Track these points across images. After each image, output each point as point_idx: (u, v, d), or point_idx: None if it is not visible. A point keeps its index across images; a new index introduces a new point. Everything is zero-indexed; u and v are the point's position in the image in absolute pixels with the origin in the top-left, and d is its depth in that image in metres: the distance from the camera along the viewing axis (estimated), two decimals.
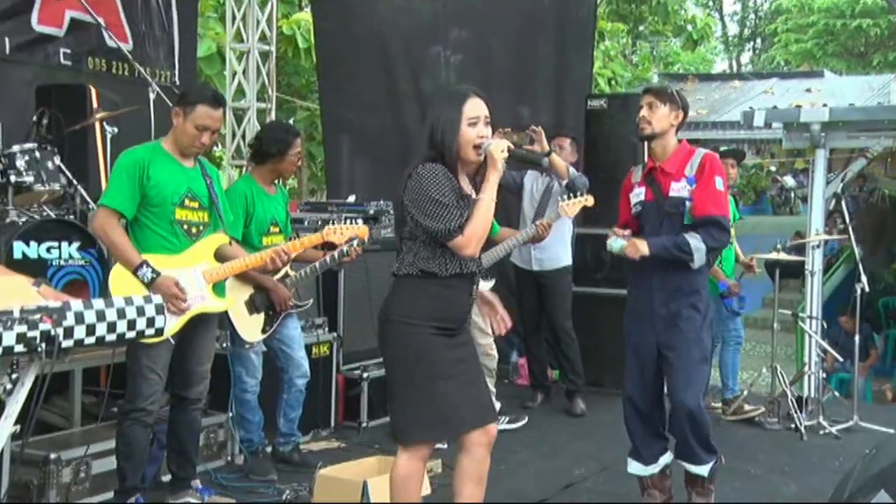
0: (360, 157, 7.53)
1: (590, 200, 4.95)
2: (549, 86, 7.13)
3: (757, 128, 9.48)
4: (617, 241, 3.83)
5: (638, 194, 3.97)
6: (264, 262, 3.87)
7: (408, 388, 2.99)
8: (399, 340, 2.99)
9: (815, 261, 6.77)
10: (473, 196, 3.01)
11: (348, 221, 4.23)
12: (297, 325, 4.65)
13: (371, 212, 5.72)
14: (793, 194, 20.34)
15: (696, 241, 3.75)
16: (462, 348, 3.06)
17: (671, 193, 3.83)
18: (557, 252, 5.83)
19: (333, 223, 4.22)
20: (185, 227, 3.68)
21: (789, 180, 20.37)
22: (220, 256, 3.79)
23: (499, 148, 2.96)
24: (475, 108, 2.97)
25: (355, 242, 4.43)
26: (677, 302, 3.82)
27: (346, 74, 7.34)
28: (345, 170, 7.62)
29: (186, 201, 3.68)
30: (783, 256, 5.82)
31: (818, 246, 6.73)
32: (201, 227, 3.74)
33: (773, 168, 20.74)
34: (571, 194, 5.06)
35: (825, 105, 7.50)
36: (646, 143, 3.97)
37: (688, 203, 3.79)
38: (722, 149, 6.07)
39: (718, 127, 14.40)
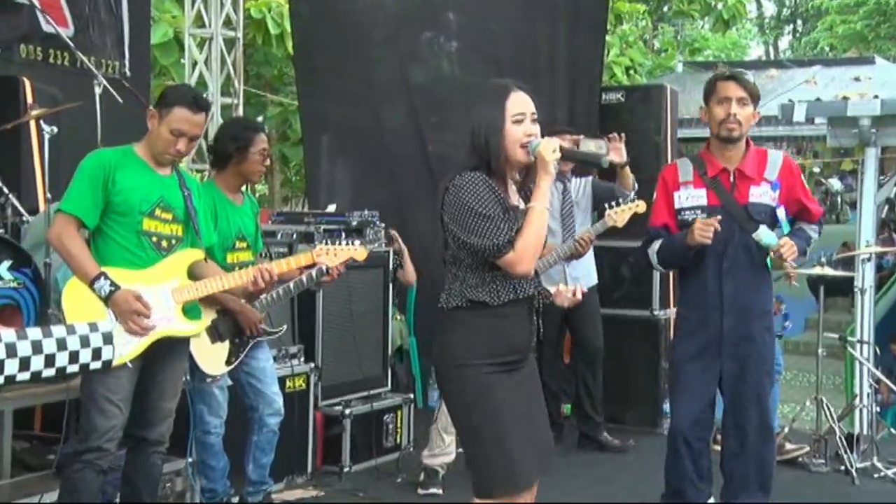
0: (342, 159, 7.54)
1: (641, 206, 5.00)
2: (560, 76, 7.19)
3: (797, 123, 9.52)
4: (768, 234, 3.90)
5: (695, 197, 4.01)
6: (245, 283, 3.86)
7: (475, 438, 3.03)
8: (457, 386, 3.03)
9: (865, 276, 6.78)
10: (522, 207, 3.07)
11: (342, 240, 4.24)
12: (269, 354, 4.64)
13: (354, 223, 5.73)
14: (839, 199, 20.40)
15: (814, 234, 4.08)
16: (527, 383, 3.11)
17: (752, 199, 3.93)
18: (590, 268, 5.93)
19: (326, 242, 4.22)
20: (154, 239, 3.67)
21: (835, 183, 20.46)
22: (194, 275, 3.78)
23: (549, 147, 3.00)
24: (519, 102, 3.02)
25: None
26: (750, 323, 3.95)
27: (325, 65, 7.37)
28: (325, 174, 7.64)
29: (157, 211, 3.68)
30: (829, 271, 5.83)
31: (869, 259, 6.74)
32: (173, 242, 3.73)
33: (816, 169, 20.84)
34: (617, 201, 5.13)
35: (876, 97, 7.50)
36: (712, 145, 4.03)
37: (781, 211, 3.93)
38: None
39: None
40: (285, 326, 4.71)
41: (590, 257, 5.83)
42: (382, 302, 5.90)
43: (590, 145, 5.06)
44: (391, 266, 5.99)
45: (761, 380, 4.00)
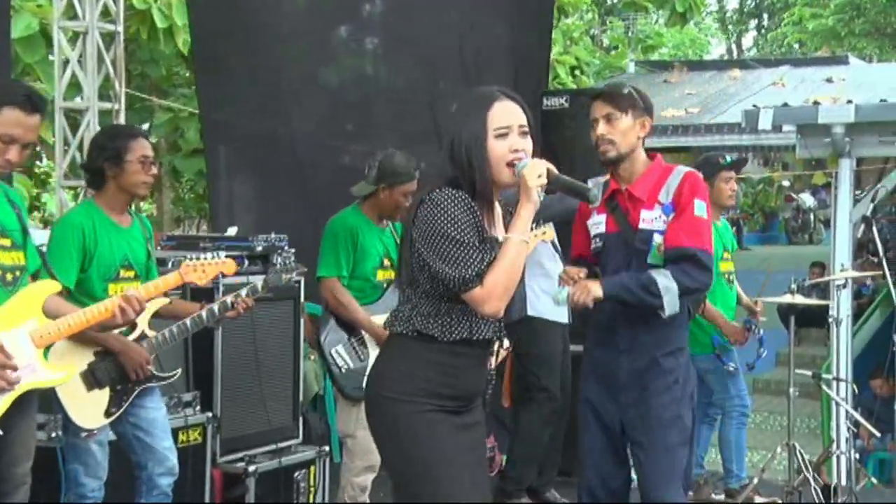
0: (245, 173, 7.53)
1: (548, 234, 5.07)
2: (502, 76, 7.30)
3: (763, 131, 9.73)
4: (563, 290, 3.92)
5: (597, 224, 4.08)
6: (110, 314, 3.79)
7: (409, 485, 3.08)
8: (390, 423, 3.09)
9: (841, 305, 6.92)
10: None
11: (208, 254, 4.25)
12: (161, 402, 4.60)
13: (259, 248, 5.73)
14: (812, 217, 20.83)
15: (664, 280, 3.85)
16: (472, 431, 3.17)
17: (641, 225, 3.95)
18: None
19: (192, 258, 4.21)
20: None
21: (807, 199, 20.92)
22: (49, 312, 3.70)
23: (535, 171, 3.04)
24: (504, 113, 3.08)
25: (243, 292, 4.42)
26: (646, 366, 3.94)
27: (227, 62, 7.32)
28: (224, 190, 7.62)
29: None
30: (800, 299, 5.93)
31: (845, 285, 6.87)
32: (17, 273, 3.66)
33: (785, 183, 21.30)
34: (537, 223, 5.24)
35: (850, 101, 7.72)
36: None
37: (659, 237, 3.91)
38: (725, 159, 6.20)
39: (713, 130, 14.73)
40: (179, 370, 4.68)
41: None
42: (293, 339, 5.90)
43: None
44: (302, 297, 5.98)
45: (666, 428, 3.94)
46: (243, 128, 7.37)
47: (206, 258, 4.20)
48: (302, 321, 5.96)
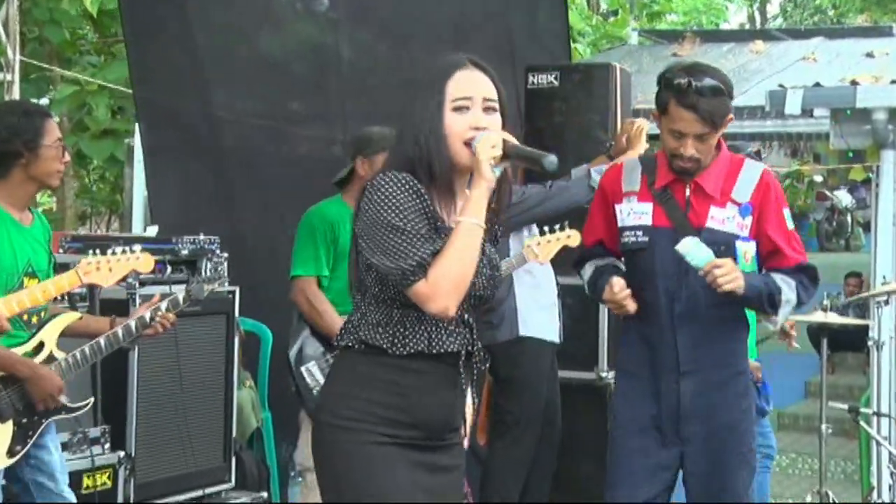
0: (167, 163, 7.52)
1: (574, 238, 5.17)
2: (494, 49, 7.39)
3: (791, 117, 9.81)
4: (697, 248, 3.97)
5: (636, 213, 4.16)
6: None
7: None
8: (326, 453, 3.13)
9: (883, 325, 6.97)
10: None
11: (121, 250, 4.26)
12: (56, 438, 4.58)
13: (184, 252, 5.75)
14: (848, 219, 20.93)
15: (788, 290, 4.09)
16: (442, 474, 3.17)
17: (710, 224, 4.06)
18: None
19: (95, 252, 4.19)
20: None
21: (843, 197, 21.00)
22: None
23: (487, 143, 3.07)
24: (465, 83, 3.12)
25: (163, 305, 4.42)
26: (719, 389, 4.07)
27: (153, 26, 7.29)
28: (144, 183, 7.63)
29: None
30: (834, 318, 5.99)
31: (887, 301, 6.92)
32: (42, 313, 3.77)
33: (817, 179, 21.39)
34: (542, 228, 5.28)
35: (895, 82, 7.74)
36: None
37: (745, 245, 4.05)
38: (748, 150, 6.26)
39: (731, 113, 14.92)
40: (92, 399, 4.67)
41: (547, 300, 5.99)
42: (225, 363, 5.93)
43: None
44: (236, 311, 5.99)
45: (736, 468, 4.13)
46: (171, 105, 7.40)
47: (113, 254, 4.19)
48: (236, 341, 5.97)
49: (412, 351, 3.08)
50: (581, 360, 6.58)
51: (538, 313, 5.91)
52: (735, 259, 4.01)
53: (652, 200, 4.12)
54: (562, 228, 5.34)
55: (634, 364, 4.22)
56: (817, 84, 8.07)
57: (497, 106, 3.14)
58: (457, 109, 3.10)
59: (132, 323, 4.39)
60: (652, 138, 5.56)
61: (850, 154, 7.90)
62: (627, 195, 4.17)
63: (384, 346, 3.08)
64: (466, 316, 3.16)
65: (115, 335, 4.40)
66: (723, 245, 4.01)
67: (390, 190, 3.03)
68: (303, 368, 5.28)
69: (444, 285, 2.99)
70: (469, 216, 3.03)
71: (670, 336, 4.07)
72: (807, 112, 8.19)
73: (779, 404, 6.70)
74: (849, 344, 11.23)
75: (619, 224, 4.20)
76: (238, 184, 7.34)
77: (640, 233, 4.12)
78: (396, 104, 7.43)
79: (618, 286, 4.07)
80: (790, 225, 4.12)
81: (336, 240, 5.28)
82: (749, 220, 4.06)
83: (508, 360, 5.78)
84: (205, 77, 7.32)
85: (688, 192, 4.09)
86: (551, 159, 3.12)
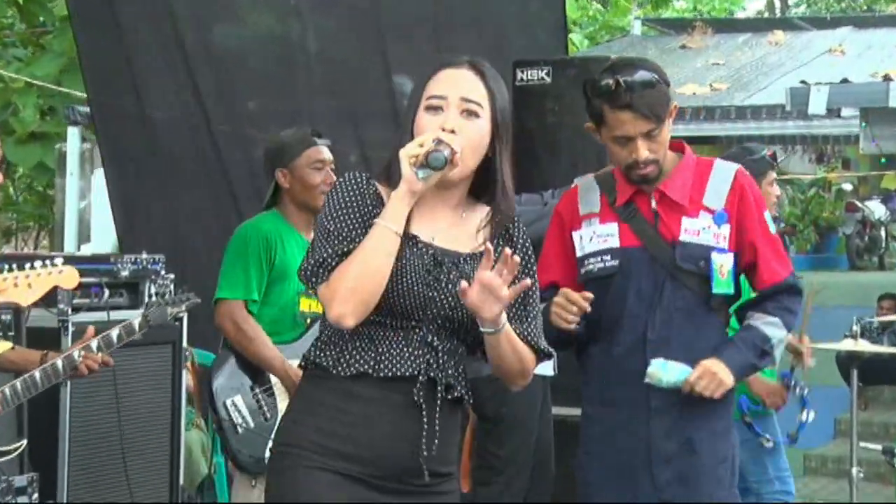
0: (107, 170, 7.53)
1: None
2: (479, 40, 7.48)
3: (816, 117, 9.82)
4: (669, 369, 3.93)
5: (601, 237, 4.10)
6: None
7: None
8: (270, 483, 3.22)
9: None
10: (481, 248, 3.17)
11: (41, 263, 4.18)
12: None
13: (124, 274, 5.72)
14: (882, 232, 20.94)
15: (775, 330, 4.07)
16: None
17: (683, 237, 4.02)
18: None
19: (11, 268, 4.09)
20: None
21: (875, 208, 21.02)
22: None
23: (406, 151, 3.11)
24: (444, 82, 3.21)
25: (114, 334, 4.42)
26: (696, 428, 4.02)
27: (111, 21, 7.32)
28: (79, 195, 7.61)
29: None
30: (866, 346, 5.98)
31: None
32: None
33: (846, 187, 21.43)
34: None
35: None
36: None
37: (721, 258, 4.00)
38: (762, 153, 6.25)
39: (747, 115, 14.74)
40: (24, 442, 4.64)
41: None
42: (171, 400, 5.90)
43: None
44: (185, 340, 5.95)
45: None
46: (124, 110, 7.45)
47: (32, 268, 4.17)
48: (185, 375, 5.93)
49: (355, 372, 3.12)
50: (577, 393, 6.57)
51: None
52: (710, 275, 3.99)
53: (616, 219, 4.07)
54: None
55: (598, 401, 4.18)
56: (845, 80, 8.10)
57: (480, 110, 3.18)
58: (429, 109, 3.19)
59: (60, 363, 4.35)
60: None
61: (883, 160, 7.91)
62: (587, 218, 4.11)
63: (328, 365, 3.15)
64: (431, 338, 3.15)
65: (55, 367, 4.37)
66: (701, 260, 3.98)
67: (337, 191, 3.21)
68: (228, 402, 5.20)
69: (340, 290, 3.06)
70: (384, 219, 3.10)
71: (640, 366, 3.98)
72: (833, 112, 8.22)
73: (804, 445, 6.65)
74: (883, 376, 11.19)
75: (579, 253, 4.12)
76: (189, 195, 7.35)
77: (607, 257, 4.06)
78: (372, 102, 7.51)
79: (561, 296, 3.97)
80: (772, 228, 4.12)
81: (272, 260, 5.18)
82: (726, 228, 4.01)
83: (495, 397, 5.74)
84: (152, 75, 7.35)
85: (653, 203, 4.04)
86: (440, 155, 3.08)
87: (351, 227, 3.13)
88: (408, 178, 3.07)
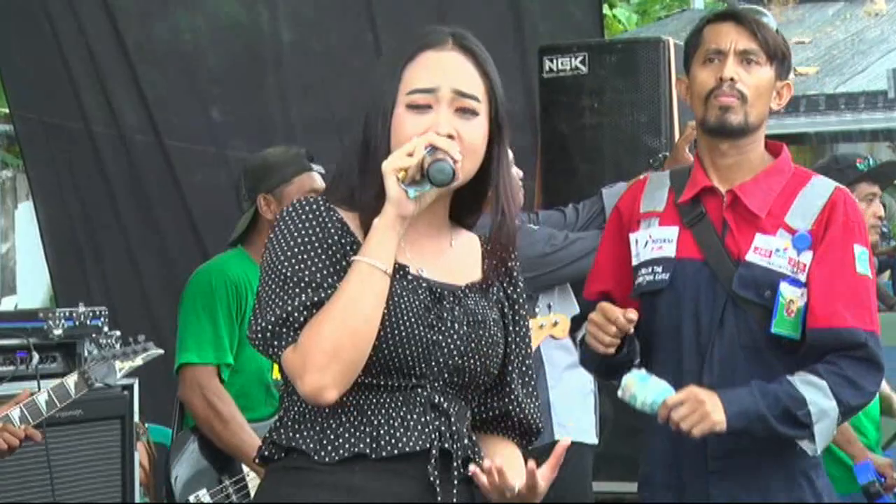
0: (45, 204, 7.59)
1: (560, 325, 5.22)
2: (489, 25, 7.44)
3: None
4: (649, 385, 3.85)
5: (658, 242, 4.10)
6: None
7: None
8: None
9: None
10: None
11: None
12: None
13: (58, 332, 5.70)
14: None
15: (819, 397, 3.85)
16: None
17: (751, 257, 3.98)
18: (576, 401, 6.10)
19: None
20: None
21: None
22: None
23: (391, 163, 2.94)
24: (430, 70, 3.06)
25: (14, 414, 4.38)
26: (766, 492, 3.97)
27: (27, 30, 7.39)
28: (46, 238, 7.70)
29: None
30: None
31: None
32: None
33: None
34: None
35: None
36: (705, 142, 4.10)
37: (792, 291, 3.93)
38: (865, 163, 6.22)
39: (841, 105, 14.71)
40: None
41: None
42: (121, 486, 5.90)
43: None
44: (136, 417, 5.95)
45: None
46: (58, 126, 7.54)
47: None
48: (136, 457, 5.93)
49: (347, 455, 2.96)
50: (624, 465, 6.57)
51: (577, 406, 5.94)
52: (774, 310, 3.93)
53: (679, 223, 4.06)
54: (549, 309, 5.37)
55: (652, 462, 4.17)
56: None
57: (477, 106, 3.05)
58: (412, 107, 3.02)
59: None
60: None
61: None
62: (646, 217, 4.11)
63: (309, 450, 2.98)
64: (438, 398, 3.04)
65: None
66: (766, 288, 3.93)
67: (283, 225, 3.01)
68: (191, 498, 5.19)
69: (315, 354, 2.89)
70: (365, 255, 2.94)
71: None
72: None
73: None
74: None
75: (635, 261, 4.11)
76: (138, 230, 7.37)
77: (659, 269, 4.04)
78: (360, 105, 7.55)
79: (596, 314, 3.95)
80: (862, 269, 3.95)
81: (242, 313, 5.19)
82: (807, 256, 3.95)
83: None
84: (87, 81, 7.38)
85: (723, 204, 4.00)
86: (444, 165, 2.91)
87: (316, 269, 2.96)
88: (396, 199, 2.91)
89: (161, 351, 5.13)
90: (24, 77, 7.51)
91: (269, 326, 2.94)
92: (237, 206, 5.46)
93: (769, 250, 3.95)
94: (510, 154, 5.95)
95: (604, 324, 3.87)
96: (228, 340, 5.20)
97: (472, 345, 3.04)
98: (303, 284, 2.94)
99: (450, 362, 3.02)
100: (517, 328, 3.20)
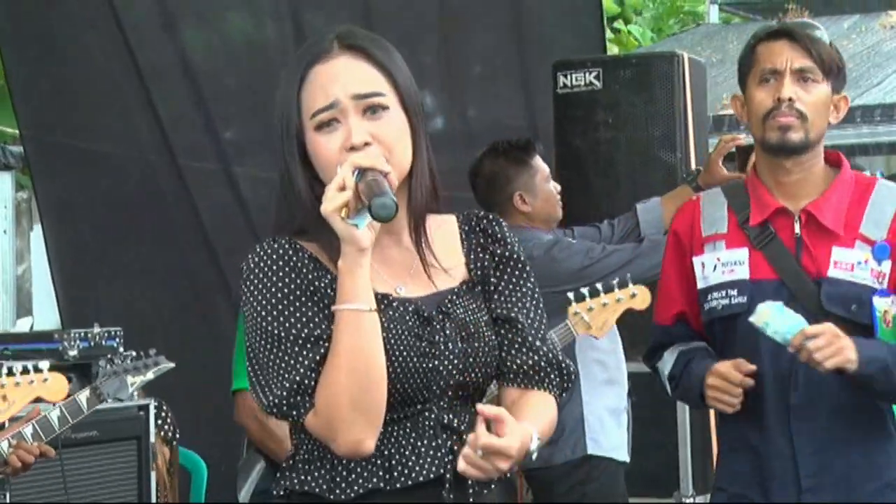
0: (54, 226, 7.60)
1: (641, 299, 5.31)
2: (493, 31, 7.58)
3: None
4: (785, 314, 3.83)
5: (728, 266, 4.08)
6: None
7: None
8: None
9: None
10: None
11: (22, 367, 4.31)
12: None
13: (73, 353, 5.75)
14: None
15: None
16: None
17: (833, 273, 3.97)
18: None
19: None
20: None
21: None
22: None
23: (329, 205, 2.84)
24: (323, 85, 2.97)
25: (27, 431, 4.40)
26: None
27: (40, 48, 7.43)
28: (16, 254, 7.65)
29: None
30: None
31: None
32: None
33: None
34: (595, 287, 5.39)
35: None
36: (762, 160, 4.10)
37: (884, 302, 3.93)
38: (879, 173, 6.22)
39: (858, 118, 14.71)
40: None
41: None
42: None
43: None
44: (153, 432, 5.95)
45: None
46: (71, 148, 7.52)
47: (9, 374, 4.21)
48: (153, 479, 5.94)
49: (362, 491, 2.94)
50: (656, 481, 6.53)
51: (610, 422, 5.93)
52: (873, 323, 3.91)
53: (747, 244, 4.04)
54: (621, 284, 5.32)
55: (738, 483, 4.12)
56: None
57: (384, 101, 2.96)
58: (320, 128, 2.96)
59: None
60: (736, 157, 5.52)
61: None
62: (710, 240, 4.09)
63: (322, 492, 2.96)
64: (448, 418, 3.01)
65: None
66: (854, 303, 3.92)
67: (254, 278, 2.96)
68: None
69: (340, 414, 2.86)
70: (345, 302, 2.88)
71: (784, 439, 3.97)
72: None
73: None
74: None
75: (702, 284, 4.09)
76: (152, 251, 7.45)
77: (734, 292, 4.01)
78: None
79: (715, 376, 3.97)
80: None
81: None
82: (887, 265, 3.94)
83: (573, 490, 5.82)
84: (99, 100, 7.39)
85: (797, 227, 3.99)
86: (384, 202, 2.79)
87: (307, 320, 2.92)
88: (350, 237, 2.83)
89: (172, 364, 5.11)
90: (35, 97, 7.52)
91: (284, 397, 2.89)
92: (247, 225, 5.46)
93: (850, 264, 3.94)
94: (544, 168, 6.03)
95: (728, 388, 3.88)
96: None
97: (470, 360, 3.00)
98: (300, 342, 2.90)
99: (451, 382, 2.98)
100: (513, 286, 3.14)
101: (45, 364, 4.34)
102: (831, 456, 3.97)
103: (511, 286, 3.13)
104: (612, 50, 14.75)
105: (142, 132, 7.47)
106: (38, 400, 4.34)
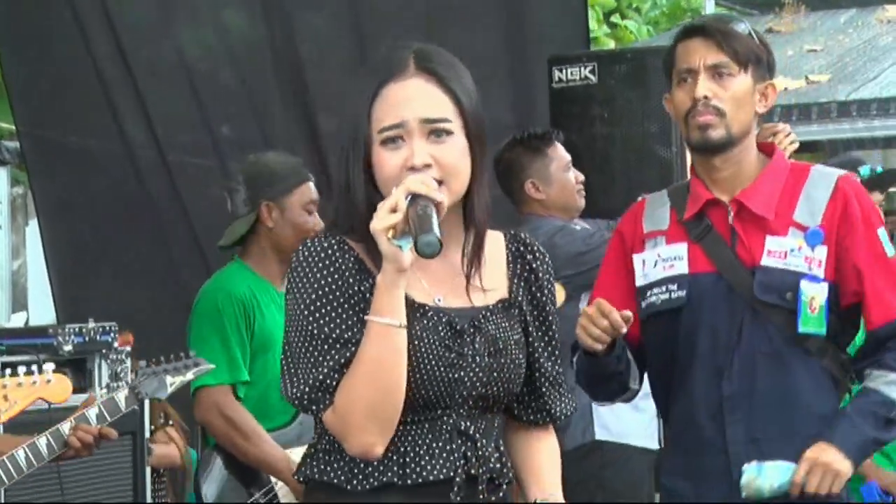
0: (65, 226, 7.68)
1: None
2: (482, 32, 7.57)
3: None
4: (766, 471, 3.86)
5: (667, 261, 4.09)
6: None
7: None
8: None
9: None
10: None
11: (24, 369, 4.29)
12: None
13: (67, 348, 5.74)
14: None
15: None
16: None
17: (766, 261, 3.98)
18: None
19: None
20: None
21: None
22: None
23: (379, 224, 2.93)
24: (394, 105, 3.07)
25: (91, 413, 4.45)
26: None
27: (38, 46, 7.47)
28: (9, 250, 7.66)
29: None
30: None
31: None
32: None
33: None
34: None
35: None
36: (692, 157, 4.14)
37: (812, 288, 3.94)
38: (866, 169, 6.22)
39: (854, 112, 14.67)
40: None
41: None
42: (133, 501, 5.95)
43: None
44: (147, 433, 5.99)
45: None
46: (66, 144, 7.58)
47: (12, 374, 4.23)
48: (147, 474, 5.96)
49: (377, 483, 3.05)
50: None
51: (623, 406, 5.87)
52: (799, 309, 3.94)
53: (686, 239, 4.06)
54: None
55: (677, 472, 4.17)
56: None
57: (449, 125, 3.07)
58: (386, 143, 3.07)
59: (43, 439, 4.39)
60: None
61: None
62: (651, 237, 4.12)
63: (340, 482, 3.08)
64: (464, 424, 3.11)
65: (37, 447, 4.42)
66: (787, 290, 3.94)
67: (301, 272, 3.07)
68: None
69: (355, 417, 2.99)
70: (377, 314, 2.99)
71: (716, 431, 4.00)
72: None
73: None
74: None
75: (640, 282, 4.12)
76: (143, 247, 7.49)
77: (674, 286, 4.04)
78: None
79: (587, 310, 3.91)
80: (890, 251, 3.99)
81: (251, 329, 5.20)
82: (822, 251, 3.96)
83: (588, 480, 5.86)
84: (91, 97, 7.43)
85: (730, 216, 4.01)
86: (429, 240, 2.89)
87: (341, 321, 3.04)
88: (391, 256, 2.95)
89: (212, 366, 5.09)
90: (33, 96, 7.54)
91: (306, 392, 3.02)
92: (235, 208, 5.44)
93: (783, 251, 3.97)
94: (562, 157, 6.06)
95: (596, 316, 3.81)
96: (241, 358, 5.21)
97: (494, 374, 3.12)
98: (331, 341, 3.02)
99: (473, 393, 3.11)
100: (543, 334, 3.26)
101: (49, 365, 4.34)
102: (765, 450, 3.97)
103: (539, 334, 3.26)
104: (609, 44, 14.74)
105: (137, 130, 7.47)
106: (39, 400, 4.32)
